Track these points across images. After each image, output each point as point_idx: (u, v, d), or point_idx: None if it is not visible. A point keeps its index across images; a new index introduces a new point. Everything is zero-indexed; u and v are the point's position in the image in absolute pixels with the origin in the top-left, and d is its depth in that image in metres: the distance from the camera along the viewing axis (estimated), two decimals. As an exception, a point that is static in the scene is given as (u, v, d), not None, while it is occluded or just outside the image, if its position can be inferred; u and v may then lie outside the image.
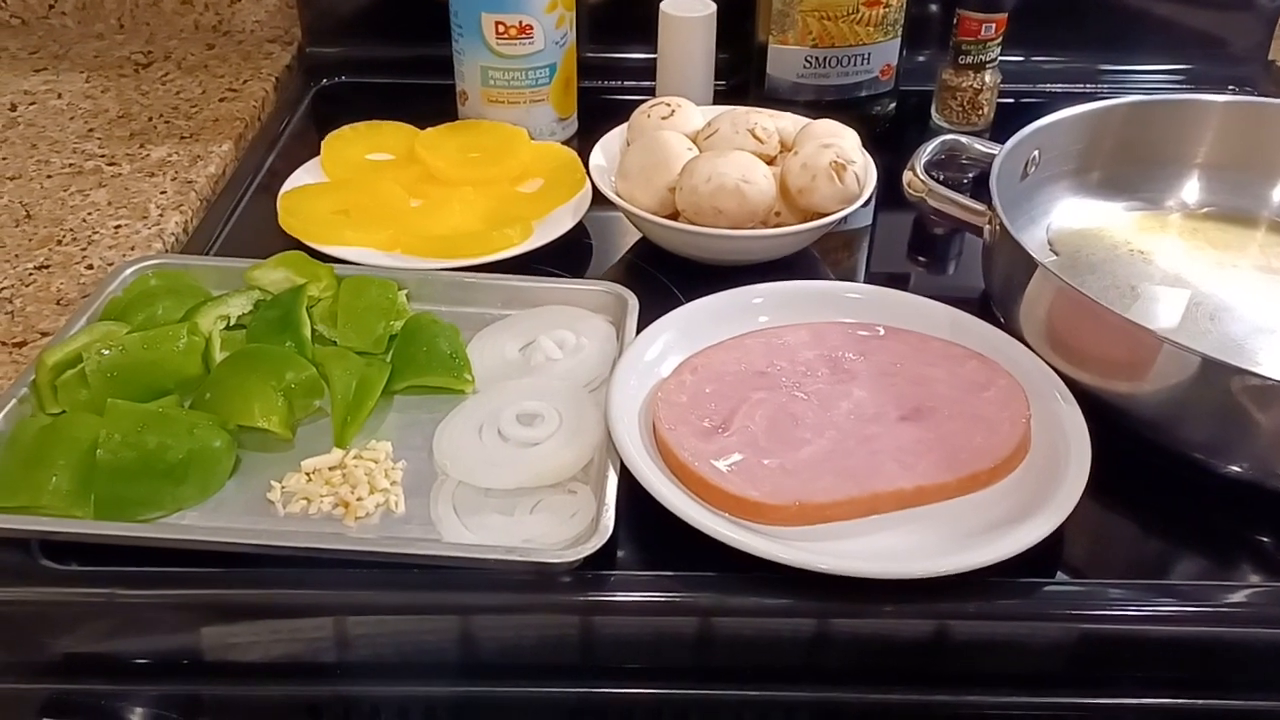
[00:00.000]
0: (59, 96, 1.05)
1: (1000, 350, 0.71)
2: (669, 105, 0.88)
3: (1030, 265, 0.69)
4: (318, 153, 0.94)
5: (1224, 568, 0.63)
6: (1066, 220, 0.87)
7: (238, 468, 0.64)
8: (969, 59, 1.00)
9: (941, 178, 0.82)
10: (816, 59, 0.98)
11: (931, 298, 0.75)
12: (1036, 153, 0.83)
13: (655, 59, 1.03)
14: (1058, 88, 1.13)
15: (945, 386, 0.68)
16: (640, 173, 0.82)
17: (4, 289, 0.79)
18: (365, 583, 0.59)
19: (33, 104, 1.04)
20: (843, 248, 0.91)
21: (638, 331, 0.72)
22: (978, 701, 0.62)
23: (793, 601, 0.58)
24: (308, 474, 0.63)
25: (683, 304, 0.76)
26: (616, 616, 0.60)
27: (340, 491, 0.62)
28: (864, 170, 0.82)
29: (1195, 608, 0.60)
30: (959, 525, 0.61)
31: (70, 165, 0.94)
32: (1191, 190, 0.88)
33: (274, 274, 0.75)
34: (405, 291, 0.76)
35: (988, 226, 0.77)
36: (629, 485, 0.62)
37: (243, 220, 0.90)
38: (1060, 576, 0.61)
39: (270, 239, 0.84)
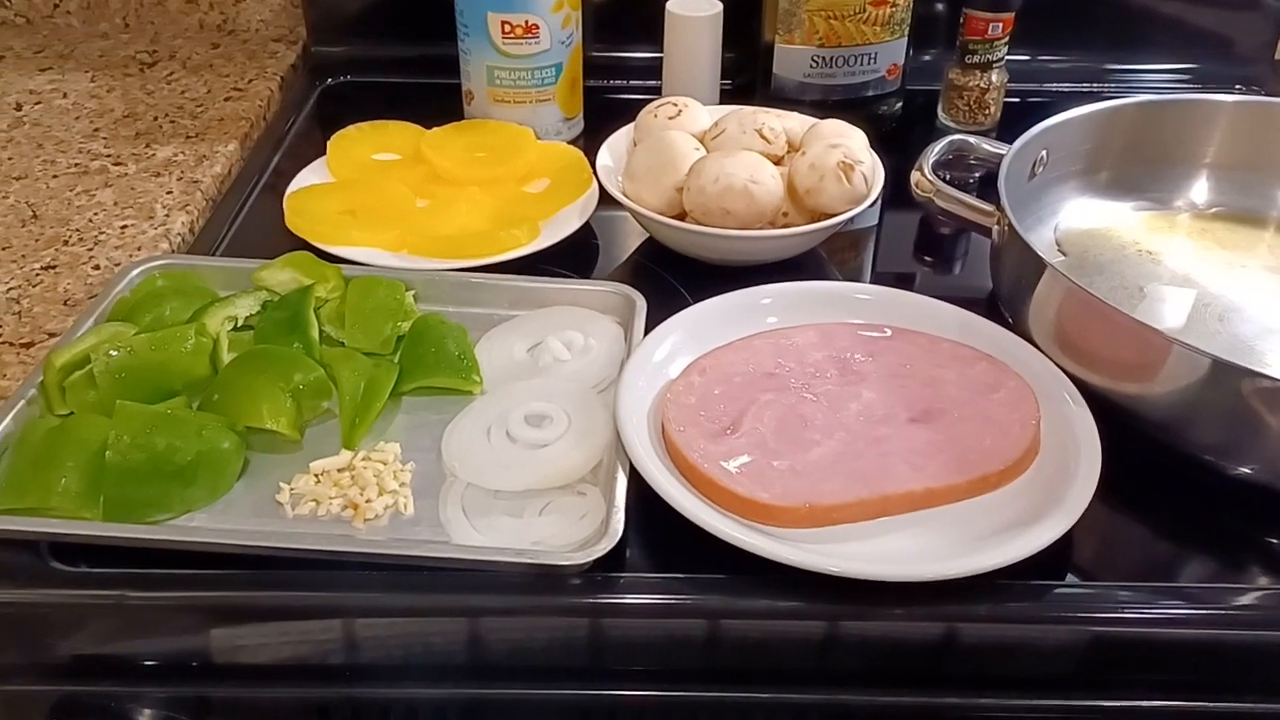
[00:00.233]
0: (64, 96, 1.05)
1: (1009, 351, 0.70)
2: (676, 105, 0.88)
3: (1039, 266, 0.69)
4: (323, 152, 0.94)
5: (1235, 570, 0.63)
6: (1074, 220, 0.86)
7: (246, 469, 0.64)
8: (976, 58, 1.00)
9: (948, 177, 0.82)
10: (823, 59, 0.98)
11: (938, 298, 0.75)
12: (1044, 153, 0.83)
13: (659, 58, 1.03)
14: (1064, 87, 1.13)
15: (955, 388, 0.68)
16: (648, 173, 0.81)
17: (11, 289, 0.78)
18: (375, 585, 0.59)
19: (38, 103, 1.04)
20: (849, 248, 0.91)
21: (646, 332, 0.72)
22: (987, 705, 0.62)
23: (803, 604, 0.58)
24: (316, 476, 0.63)
25: (690, 304, 0.75)
26: (626, 619, 0.60)
27: (349, 493, 0.62)
28: (871, 170, 0.82)
29: (1206, 610, 0.60)
30: (969, 527, 0.61)
31: (76, 165, 0.94)
32: (1200, 190, 0.88)
33: (281, 274, 0.75)
34: (412, 292, 0.76)
35: (996, 227, 0.76)
36: (638, 487, 0.62)
37: (249, 220, 0.90)
38: (1070, 579, 0.61)
39: (276, 239, 0.84)
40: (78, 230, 0.85)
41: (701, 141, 0.84)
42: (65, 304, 0.77)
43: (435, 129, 0.96)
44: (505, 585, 0.58)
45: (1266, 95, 1.09)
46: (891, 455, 0.63)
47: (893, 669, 0.61)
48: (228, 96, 1.06)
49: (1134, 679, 0.61)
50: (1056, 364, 0.69)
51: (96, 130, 0.99)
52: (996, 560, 0.57)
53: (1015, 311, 0.74)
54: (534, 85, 0.97)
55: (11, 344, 0.73)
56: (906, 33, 0.99)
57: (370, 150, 0.94)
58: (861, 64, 0.99)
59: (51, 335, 0.74)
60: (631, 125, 0.90)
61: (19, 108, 1.03)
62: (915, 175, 0.81)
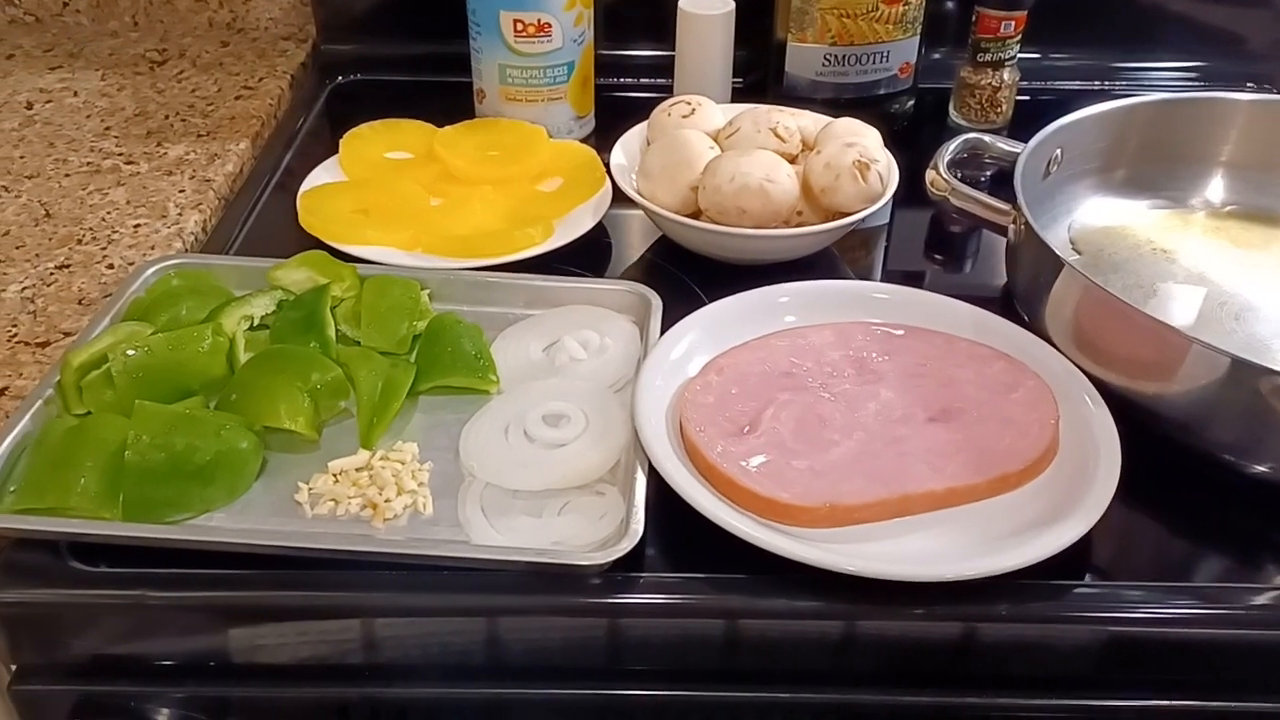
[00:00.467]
0: (75, 94, 1.05)
1: (1026, 351, 0.70)
2: (689, 104, 0.88)
3: (1056, 264, 0.69)
4: (335, 151, 0.94)
5: (1254, 569, 0.63)
6: (1089, 219, 0.86)
7: (264, 469, 0.64)
8: (988, 56, 1.00)
9: (959, 175, 0.82)
10: (835, 57, 0.98)
11: (948, 296, 0.75)
12: (1059, 151, 0.82)
13: (665, 56, 1.03)
14: (1074, 85, 1.13)
15: (973, 388, 0.67)
16: (662, 172, 0.81)
17: (26, 289, 0.78)
18: (395, 585, 0.59)
19: (49, 102, 1.04)
20: (860, 246, 0.91)
21: (661, 331, 0.72)
22: (1007, 704, 0.62)
23: (824, 604, 0.58)
24: (334, 475, 0.63)
25: (704, 303, 0.75)
26: (646, 618, 0.60)
27: (368, 493, 0.62)
28: (887, 169, 0.81)
29: (1225, 609, 0.60)
30: (988, 527, 0.61)
31: (88, 164, 0.94)
32: (1216, 189, 0.88)
33: (296, 274, 0.75)
34: (427, 291, 0.76)
35: (1012, 226, 0.76)
36: (656, 486, 0.62)
37: (261, 219, 0.90)
38: (1088, 579, 0.61)
39: (289, 238, 0.84)
40: (91, 229, 0.85)
41: (715, 140, 0.84)
42: (80, 303, 0.77)
43: (447, 128, 0.96)
44: (525, 585, 0.58)
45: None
46: (910, 455, 0.63)
47: (912, 669, 0.61)
48: (238, 95, 1.06)
49: (1153, 679, 0.61)
50: (1074, 363, 0.69)
51: (108, 129, 0.99)
52: (1017, 560, 0.57)
53: (1031, 310, 0.74)
54: (546, 84, 0.97)
55: (27, 343, 0.73)
56: (919, 31, 0.99)
57: (382, 149, 0.94)
58: (874, 62, 0.98)
59: (67, 334, 0.74)
60: (645, 124, 0.90)
61: (29, 106, 1.03)
62: (930, 174, 0.81)
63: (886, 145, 0.85)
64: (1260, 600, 0.60)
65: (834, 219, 0.81)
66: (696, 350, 0.71)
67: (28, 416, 0.64)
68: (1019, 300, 0.77)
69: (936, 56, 1.09)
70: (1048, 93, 1.11)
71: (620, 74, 1.11)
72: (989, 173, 0.93)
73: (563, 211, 0.87)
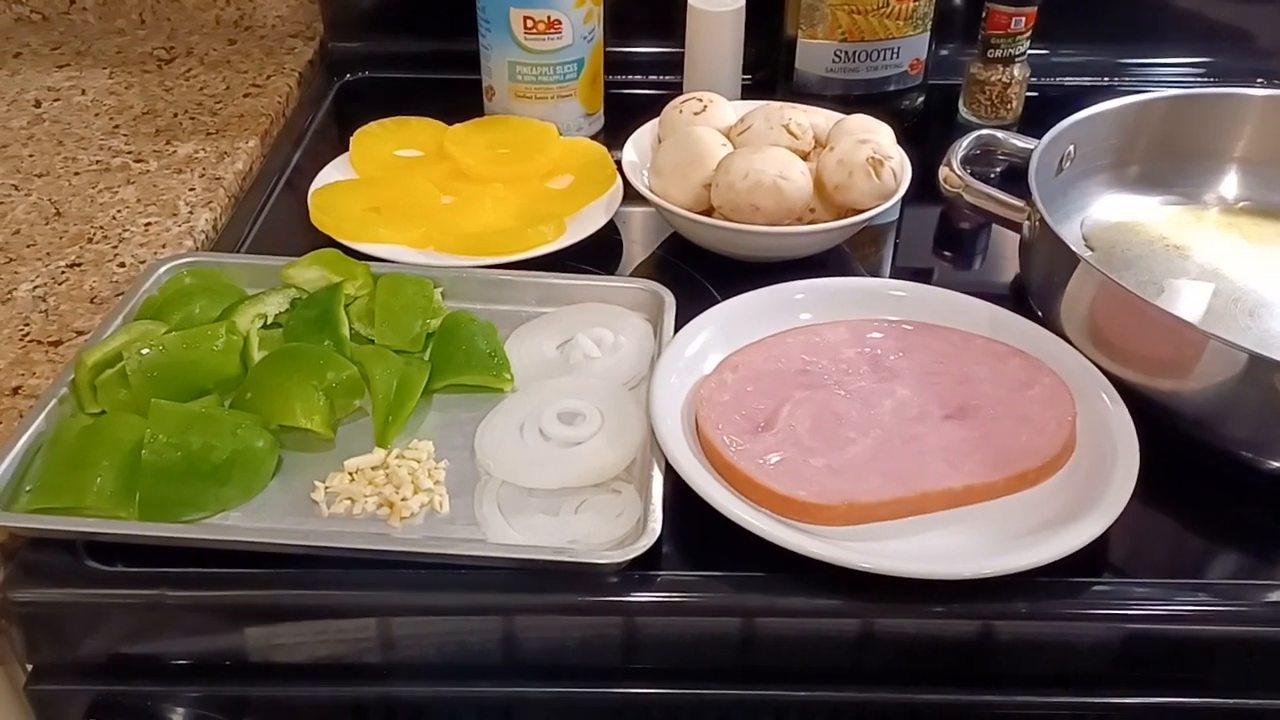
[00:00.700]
0: (83, 93, 1.05)
1: (1042, 347, 0.70)
2: (701, 101, 0.87)
3: (1072, 260, 0.69)
4: (344, 149, 0.94)
5: (1273, 566, 0.62)
6: (1101, 215, 0.86)
7: (279, 468, 0.64)
8: (998, 52, 1.00)
9: (970, 172, 0.81)
10: (846, 53, 0.98)
11: (964, 294, 0.75)
12: (1072, 147, 0.82)
13: (671, 53, 1.03)
14: (1082, 81, 1.13)
15: (989, 385, 0.67)
16: (675, 169, 0.81)
17: (37, 287, 0.78)
18: (413, 584, 0.58)
19: (57, 100, 1.04)
20: (869, 243, 0.90)
21: (675, 329, 0.72)
22: (1024, 702, 0.62)
23: (842, 602, 0.58)
24: (350, 474, 0.63)
25: (716, 300, 0.75)
26: (664, 617, 0.59)
27: (384, 492, 0.62)
28: (900, 166, 0.81)
29: (1244, 607, 0.60)
30: (1006, 525, 0.61)
31: (98, 162, 0.94)
32: (1229, 185, 0.88)
33: (309, 272, 0.75)
34: (440, 289, 0.76)
35: (1027, 222, 0.76)
36: (672, 484, 0.61)
37: (272, 217, 0.90)
38: (1105, 576, 0.61)
39: (300, 236, 0.84)
40: (102, 228, 0.85)
41: (728, 137, 0.84)
42: (92, 302, 0.77)
43: (457, 125, 0.95)
44: (543, 584, 0.58)
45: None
46: (928, 453, 0.63)
47: (929, 667, 0.61)
48: (246, 93, 1.06)
49: (1171, 676, 0.61)
50: (1089, 359, 0.69)
51: (116, 127, 0.99)
52: (1036, 558, 0.57)
53: (1046, 306, 0.74)
54: (556, 81, 0.96)
55: (40, 342, 0.73)
56: (929, 27, 0.98)
57: (393, 146, 0.94)
58: (884, 59, 0.98)
59: (79, 333, 0.74)
60: (656, 121, 0.90)
61: (38, 104, 1.03)
62: (944, 171, 0.81)
63: (897, 142, 0.85)
64: (1278, 597, 0.60)
65: (846, 216, 0.81)
66: (711, 348, 0.71)
67: (42, 416, 0.64)
68: (1033, 297, 0.76)
69: (944, 52, 1.09)
70: (1055, 89, 1.11)
71: (625, 71, 1.11)
72: (998, 169, 0.93)
73: (574, 209, 0.87)
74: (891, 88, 1.01)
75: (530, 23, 0.93)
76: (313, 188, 0.88)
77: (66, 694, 0.61)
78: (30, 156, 0.94)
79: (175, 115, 1.01)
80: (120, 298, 0.75)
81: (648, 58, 1.12)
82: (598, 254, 0.85)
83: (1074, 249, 0.69)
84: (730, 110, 0.88)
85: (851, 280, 0.77)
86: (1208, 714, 0.62)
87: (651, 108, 0.92)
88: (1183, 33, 1.14)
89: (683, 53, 1.02)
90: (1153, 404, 0.66)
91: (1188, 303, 0.78)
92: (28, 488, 0.60)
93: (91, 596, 0.59)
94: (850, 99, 0.99)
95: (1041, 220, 0.72)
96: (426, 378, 0.68)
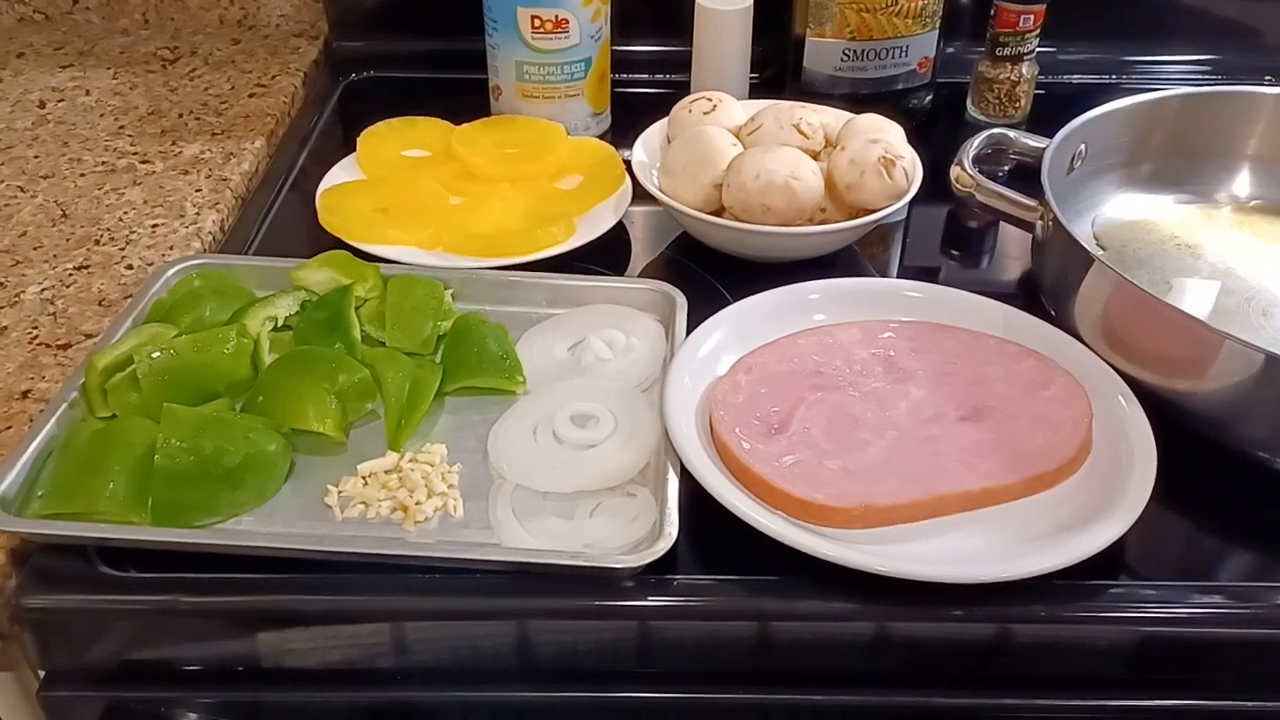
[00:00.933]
0: (87, 93, 1.05)
1: (1055, 348, 0.70)
2: (710, 100, 0.87)
3: (1086, 260, 0.69)
4: (350, 149, 0.93)
5: (1292, 568, 0.62)
6: (1112, 214, 0.86)
7: (291, 472, 0.64)
8: (1007, 51, 0.99)
9: (978, 170, 0.81)
10: (854, 52, 0.97)
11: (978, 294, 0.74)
12: (1083, 146, 0.82)
13: (674, 51, 1.03)
14: (1088, 79, 1.12)
15: (1003, 385, 0.67)
16: (685, 169, 0.81)
17: (45, 290, 0.78)
18: (427, 588, 0.58)
19: (61, 101, 1.03)
20: (877, 242, 0.90)
21: (687, 330, 0.71)
22: (1041, 705, 0.61)
23: (860, 606, 0.58)
24: (364, 478, 0.63)
25: (726, 300, 0.75)
26: (681, 621, 0.59)
27: (398, 495, 0.61)
28: (911, 165, 0.81)
29: (1263, 609, 0.59)
30: (1023, 527, 0.61)
31: (103, 163, 0.93)
32: (1241, 183, 0.88)
33: (318, 274, 0.75)
34: (450, 291, 0.75)
35: (1040, 222, 0.76)
36: (687, 487, 0.61)
37: (279, 218, 0.89)
38: (1122, 578, 0.60)
39: (308, 237, 0.84)
40: (108, 229, 0.84)
41: (737, 137, 0.84)
42: (100, 304, 0.77)
43: (465, 125, 0.95)
44: (558, 588, 0.58)
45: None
46: (944, 455, 0.62)
47: (946, 670, 0.61)
48: (251, 93, 1.05)
49: (1189, 679, 0.61)
50: (1103, 359, 0.68)
51: (121, 128, 0.99)
52: (1056, 561, 0.56)
53: (1059, 306, 0.74)
54: (563, 80, 0.96)
55: (48, 345, 0.73)
56: (938, 25, 0.98)
57: (400, 147, 0.93)
58: (893, 57, 0.98)
59: (88, 336, 0.74)
60: (664, 120, 0.90)
61: (42, 105, 1.02)
62: (955, 170, 0.81)
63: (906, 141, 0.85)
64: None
65: (857, 215, 0.80)
66: (724, 349, 0.70)
67: (53, 420, 0.63)
68: (1046, 296, 0.76)
69: (950, 50, 1.09)
70: (1062, 87, 1.11)
71: (629, 69, 1.10)
72: (1006, 168, 0.93)
73: (583, 209, 0.86)
74: (899, 86, 1.00)
75: (538, 22, 0.93)
76: (320, 188, 0.87)
77: (79, 700, 0.61)
78: (35, 158, 0.94)
79: (180, 116, 1.01)
80: (129, 300, 0.74)
81: (653, 56, 1.12)
82: (606, 254, 0.84)
83: (1088, 248, 0.68)
84: (740, 110, 0.88)
85: (865, 280, 0.77)
86: (1226, 717, 0.61)
87: (657, 107, 0.92)
88: (1189, 30, 1.14)
89: (687, 51, 1.02)
90: (1167, 404, 0.66)
91: (1200, 302, 0.78)
92: (39, 493, 0.60)
93: (104, 602, 0.58)
94: (858, 97, 0.99)
95: (1055, 220, 0.72)
96: (439, 380, 0.67)
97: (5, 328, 0.74)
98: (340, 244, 0.81)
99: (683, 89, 1.01)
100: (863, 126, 0.82)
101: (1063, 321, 0.72)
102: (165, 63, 1.11)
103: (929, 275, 0.86)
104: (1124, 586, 0.60)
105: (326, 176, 0.89)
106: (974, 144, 0.82)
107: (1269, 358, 0.61)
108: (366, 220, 0.83)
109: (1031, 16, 0.97)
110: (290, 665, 0.61)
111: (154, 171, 0.92)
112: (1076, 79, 1.13)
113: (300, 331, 0.71)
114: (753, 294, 0.74)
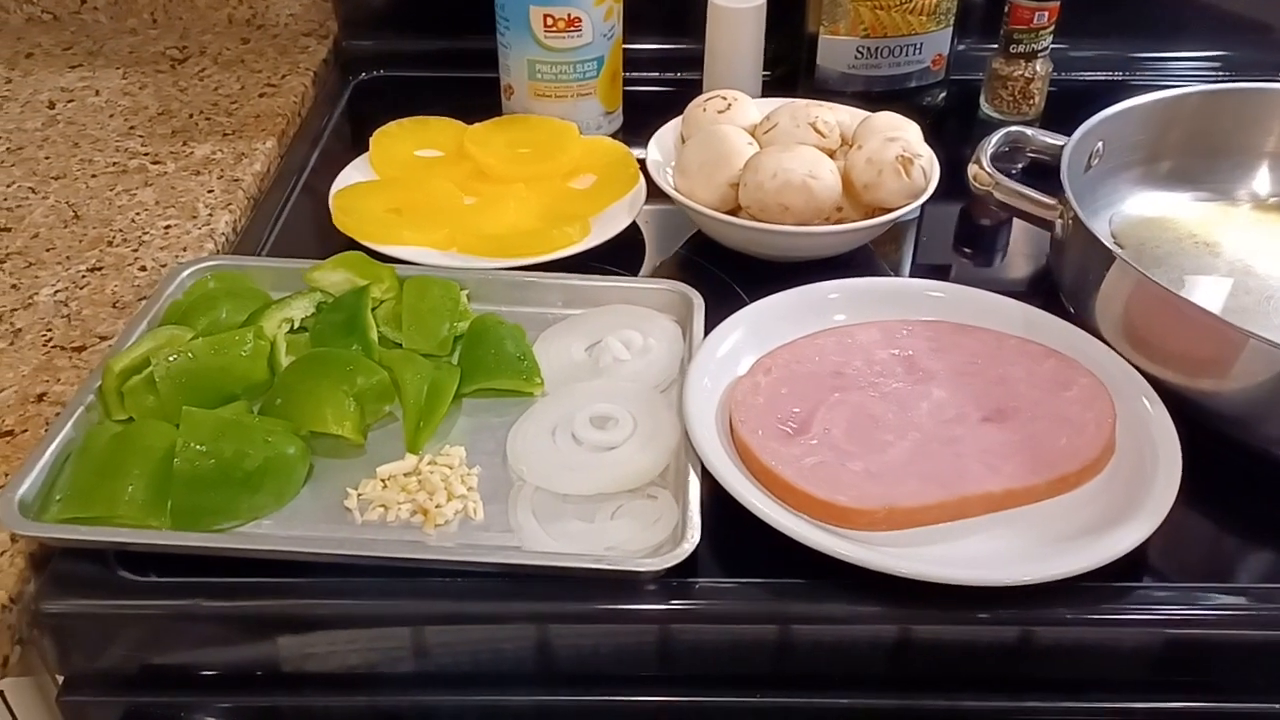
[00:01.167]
0: (97, 93, 1.04)
1: (1076, 347, 0.69)
2: (725, 99, 0.86)
3: (1107, 258, 0.68)
4: (360, 149, 0.93)
5: (1317, 568, 0.62)
6: (1130, 212, 0.85)
7: (310, 475, 0.63)
8: (1021, 48, 0.99)
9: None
10: (868, 49, 0.97)
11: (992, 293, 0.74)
12: (1101, 144, 0.82)
13: (685, 49, 1.02)
14: (1099, 76, 1.12)
15: (1025, 385, 0.67)
16: (700, 169, 0.80)
17: (58, 291, 0.77)
18: (448, 592, 0.58)
19: (70, 101, 1.03)
20: (891, 240, 0.90)
21: (705, 330, 0.71)
22: (1066, 708, 0.61)
23: (884, 609, 0.57)
24: (383, 481, 0.62)
25: (742, 300, 0.75)
26: (704, 624, 0.59)
27: (418, 498, 0.61)
28: (929, 164, 0.80)
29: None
30: (1047, 529, 0.60)
31: (114, 164, 0.93)
32: (1261, 180, 0.87)
33: (334, 275, 0.74)
34: (466, 292, 0.75)
35: (1059, 220, 0.75)
36: (708, 489, 0.61)
37: (292, 219, 0.89)
38: (1146, 580, 0.60)
39: (321, 238, 0.84)
40: (121, 230, 0.84)
41: (753, 136, 0.83)
42: (114, 306, 0.76)
43: (477, 124, 0.94)
44: (580, 592, 0.58)
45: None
46: (967, 456, 0.62)
47: (971, 673, 0.60)
48: (261, 93, 1.05)
49: (1216, 681, 0.60)
50: (1124, 358, 0.68)
51: (132, 128, 0.98)
52: (1082, 564, 0.56)
53: (1080, 305, 0.73)
54: (575, 79, 0.95)
55: (63, 348, 0.72)
56: (951, 22, 0.98)
57: (412, 146, 0.93)
58: (907, 54, 0.98)
59: (103, 339, 0.73)
60: (679, 119, 0.89)
61: (52, 105, 1.02)
62: (973, 168, 0.80)
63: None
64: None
65: (874, 214, 0.80)
66: (742, 349, 0.70)
67: (70, 423, 0.63)
68: (1066, 295, 0.76)
69: (962, 47, 1.08)
70: (1073, 84, 1.10)
71: (637, 68, 1.10)
72: (1020, 165, 0.92)
73: (597, 209, 0.86)
74: (913, 84, 1.00)
75: (550, 20, 0.92)
76: (333, 189, 0.87)
77: (98, 705, 0.60)
78: (46, 159, 0.93)
79: (191, 116, 1.00)
80: (143, 302, 0.74)
81: (662, 54, 1.11)
82: (620, 254, 0.84)
83: (1110, 246, 0.68)
84: (754, 108, 0.87)
85: (885, 280, 0.77)
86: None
87: (667, 105, 0.91)
88: (1200, 27, 1.13)
89: (696, 49, 1.01)
90: (1190, 403, 0.66)
91: (1219, 300, 0.78)
92: (58, 497, 0.60)
93: (123, 607, 0.58)
94: (871, 95, 0.98)
95: (1075, 218, 0.71)
96: (457, 382, 0.67)
97: (20, 330, 0.74)
98: (354, 245, 0.80)
99: (692, 87, 1.01)
100: (879, 125, 0.82)
101: (1083, 320, 0.72)
102: (174, 62, 1.10)
103: (942, 273, 0.86)
104: (1149, 588, 0.60)
105: (339, 177, 0.89)
106: (991, 142, 0.81)
107: (1293, 357, 0.60)
108: (380, 221, 0.83)
109: (1046, 13, 0.97)
110: (309, 670, 0.60)
111: (165, 172, 0.92)
112: (1088, 76, 1.12)
113: (317, 333, 0.70)
114: (768, 293, 0.74)
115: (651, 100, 1.01)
